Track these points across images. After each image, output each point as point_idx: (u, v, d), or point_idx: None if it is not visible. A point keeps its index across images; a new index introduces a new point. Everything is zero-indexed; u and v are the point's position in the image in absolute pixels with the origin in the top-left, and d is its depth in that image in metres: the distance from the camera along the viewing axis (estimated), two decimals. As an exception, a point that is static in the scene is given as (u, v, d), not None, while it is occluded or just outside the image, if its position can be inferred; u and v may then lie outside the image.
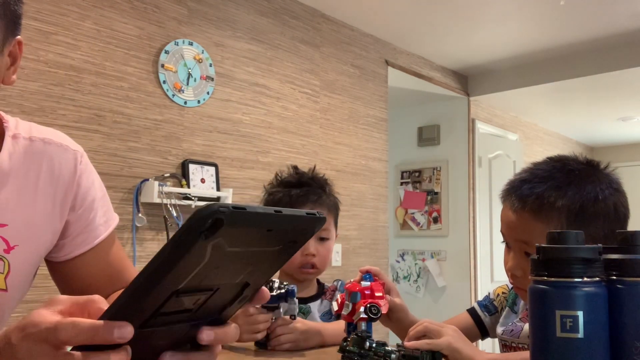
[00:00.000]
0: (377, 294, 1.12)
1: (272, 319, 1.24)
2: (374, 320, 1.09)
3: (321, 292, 1.54)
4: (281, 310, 1.24)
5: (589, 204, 0.99)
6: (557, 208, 0.99)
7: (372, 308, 1.08)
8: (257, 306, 1.24)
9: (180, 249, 0.44)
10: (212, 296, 0.52)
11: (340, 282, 1.54)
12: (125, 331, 0.48)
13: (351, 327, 1.12)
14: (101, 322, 0.49)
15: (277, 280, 1.25)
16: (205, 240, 0.44)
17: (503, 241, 1.10)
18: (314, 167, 1.63)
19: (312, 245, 1.48)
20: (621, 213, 1.02)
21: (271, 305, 1.24)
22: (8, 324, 0.94)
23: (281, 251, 0.53)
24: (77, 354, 0.50)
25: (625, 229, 1.01)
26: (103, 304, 0.53)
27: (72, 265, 1.00)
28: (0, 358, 0.52)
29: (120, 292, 1.06)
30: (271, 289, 1.22)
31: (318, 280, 1.58)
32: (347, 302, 1.13)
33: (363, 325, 1.09)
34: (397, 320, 1.21)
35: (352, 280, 1.18)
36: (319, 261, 1.49)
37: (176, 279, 0.47)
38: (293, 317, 1.24)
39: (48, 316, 0.51)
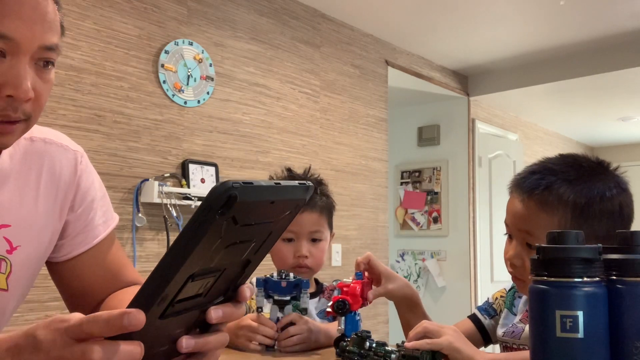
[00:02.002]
0: (353, 291, 1.15)
1: (278, 317, 1.23)
2: (342, 314, 1.13)
3: (319, 290, 1.54)
4: (290, 306, 1.23)
5: (596, 200, 1.00)
6: (564, 201, 1.00)
7: (339, 303, 1.12)
8: (265, 314, 1.24)
9: (201, 229, 0.47)
10: (219, 278, 0.55)
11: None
12: (134, 317, 0.48)
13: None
14: (115, 311, 0.49)
15: (291, 273, 1.25)
16: (222, 217, 0.47)
17: (506, 233, 1.10)
18: (309, 168, 1.62)
19: (304, 247, 1.46)
20: (626, 214, 1.03)
21: (282, 299, 1.23)
22: (9, 323, 0.94)
23: (279, 223, 0.58)
24: (90, 342, 0.50)
25: (629, 229, 1.02)
26: None
27: (71, 266, 1.00)
28: (22, 354, 0.53)
29: (121, 291, 1.06)
30: (287, 278, 1.23)
31: (317, 280, 1.58)
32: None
33: (342, 323, 1.13)
34: (402, 310, 1.26)
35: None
36: (311, 262, 1.48)
37: (194, 261, 0.49)
38: (304, 310, 1.23)
39: (76, 315, 0.53)
